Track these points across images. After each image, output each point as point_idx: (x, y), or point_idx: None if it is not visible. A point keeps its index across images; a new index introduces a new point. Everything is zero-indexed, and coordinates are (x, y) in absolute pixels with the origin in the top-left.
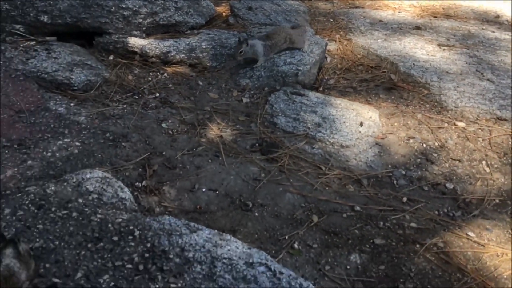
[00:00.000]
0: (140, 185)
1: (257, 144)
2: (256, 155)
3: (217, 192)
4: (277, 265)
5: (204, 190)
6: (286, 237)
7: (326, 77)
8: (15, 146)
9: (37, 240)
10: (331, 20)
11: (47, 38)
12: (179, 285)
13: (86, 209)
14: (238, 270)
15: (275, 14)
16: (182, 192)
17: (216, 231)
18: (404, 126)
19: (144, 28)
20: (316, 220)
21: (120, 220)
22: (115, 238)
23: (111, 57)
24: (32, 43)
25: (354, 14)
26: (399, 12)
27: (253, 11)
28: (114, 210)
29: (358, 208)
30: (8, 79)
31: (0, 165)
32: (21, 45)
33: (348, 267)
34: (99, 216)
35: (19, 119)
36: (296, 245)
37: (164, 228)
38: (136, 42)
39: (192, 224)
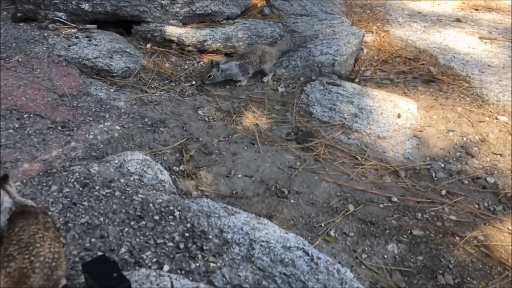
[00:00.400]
0: (178, 169)
1: (292, 133)
2: (292, 144)
3: (252, 178)
4: (314, 250)
5: (240, 176)
6: (322, 225)
7: (362, 69)
8: (59, 128)
9: (83, 216)
10: (368, 11)
11: (88, 25)
12: (218, 264)
13: (128, 189)
14: (275, 253)
15: (310, 5)
16: (218, 177)
17: (253, 215)
18: (443, 119)
19: (180, 17)
20: (352, 209)
21: (160, 200)
22: (156, 217)
23: (148, 45)
24: (74, 30)
25: (391, 6)
26: (438, 4)
27: (289, 2)
28: (154, 191)
29: (395, 199)
30: (51, 65)
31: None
32: (63, 32)
33: (385, 256)
34: (140, 196)
35: (63, 103)
36: (332, 233)
37: (203, 210)
38: (173, 30)
39: (229, 207)
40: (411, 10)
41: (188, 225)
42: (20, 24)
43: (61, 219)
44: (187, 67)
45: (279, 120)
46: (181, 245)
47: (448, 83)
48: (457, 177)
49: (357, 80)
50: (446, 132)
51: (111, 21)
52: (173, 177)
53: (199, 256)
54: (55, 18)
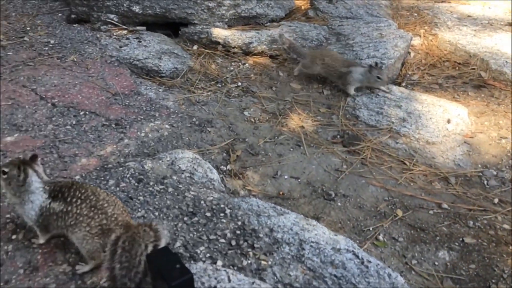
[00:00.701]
0: (225, 168)
1: (338, 136)
2: (338, 147)
3: (299, 180)
4: (364, 253)
5: (286, 177)
6: (370, 229)
7: (410, 72)
8: (113, 126)
9: (139, 210)
10: (415, 14)
11: (138, 27)
12: (269, 262)
13: (180, 186)
14: (325, 254)
15: (356, 8)
16: (265, 178)
17: (302, 215)
18: (495, 125)
19: (226, 20)
20: (401, 215)
21: (211, 198)
22: (208, 214)
23: (195, 47)
24: (124, 32)
25: (440, 9)
26: (489, 8)
27: (334, 4)
28: (204, 189)
29: (445, 205)
30: (104, 64)
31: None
32: (115, 34)
33: (436, 263)
34: (192, 193)
35: (115, 101)
36: (381, 237)
37: (253, 209)
38: (219, 32)
39: (278, 207)
40: (460, 14)
41: (239, 223)
42: (74, 25)
43: None
44: (232, 68)
45: (325, 123)
46: (233, 242)
47: (500, 88)
48: (510, 185)
49: (404, 84)
50: (498, 139)
51: (160, 23)
52: (221, 176)
53: (251, 253)
54: (107, 20)
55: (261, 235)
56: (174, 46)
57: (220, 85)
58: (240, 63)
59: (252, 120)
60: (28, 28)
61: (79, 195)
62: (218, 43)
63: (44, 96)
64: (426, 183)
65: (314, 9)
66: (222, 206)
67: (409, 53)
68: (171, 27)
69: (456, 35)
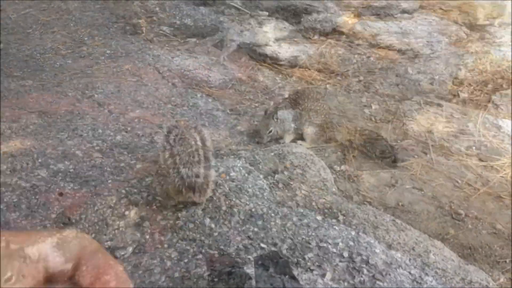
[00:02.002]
0: (339, 168)
1: (474, 147)
2: (473, 160)
3: (422, 192)
4: None
5: (407, 187)
6: (507, 261)
7: (461, 89)
8: (228, 111)
9: (247, 203)
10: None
11: (260, 12)
12: (384, 284)
13: (291, 183)
14: (453, 284)
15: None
16: (382, 184)
17: (425, 235)
18: None
19: (353, 9)
20: None
21: (323, 200)
22: (319, 218)
23: (316, 36)
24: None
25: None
26: None
27: None
28: (316, 189)
29: None
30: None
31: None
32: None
33: None
34: (303, 192)
35: (230, 81)
36: None
37: (369, 219)
38: (344, 22)
39: (398, 221)
40: None
41: (353, 233)
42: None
43: (227, 202)
44: (355, 61)
45: (458, 130)
46: (345, 254)
47: None
48: None
49: (454, 100)
50: None
51: (282, 9)
52: (334, 176)
53: (364, 270)
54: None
55: (377, 251)
56: (295, 33)
57: (340, 78)
58: (364, 56)
59: (373, 119)
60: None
61: None
62: (343, 33)
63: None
64: None
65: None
66: (334, 211)
67: (460, 69)
68: (293, 13)
69: (509, 52)
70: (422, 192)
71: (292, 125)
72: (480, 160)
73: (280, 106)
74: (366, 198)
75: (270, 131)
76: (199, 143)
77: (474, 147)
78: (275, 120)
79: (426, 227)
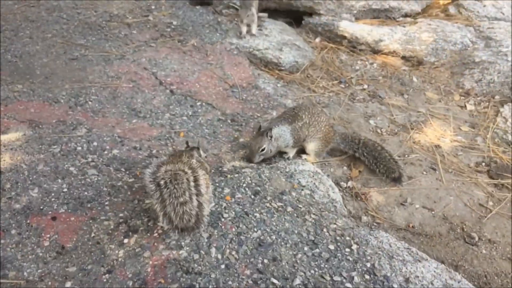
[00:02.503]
0: (345, 185)
1: (483, 163)
2: (483, 177)
3: (433, 212)
4: None
5: (417, 206)
6: None
7: (467, 100)
8: (229, 121)
9: (255, 230)
10: None
11: (260, 14)
12: None
13: (300, 206)
14: None
15: (508, 8)
16: (391, 203)
17: (444, 266)
18: None
19: (355, 12)
20: None
21: (334, 226)
22: (331, 247)
23: (317, 39)
24: None
25: None
26: None
27: (481, 2)
28: (326, 212)
29: None
30: (223, 52)
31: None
32: (236, 19)
33: None
34: (313, 216)
35: (233, 94)
36: None
37: (383, 248)
38: (347, 26)
39: (414, 250)
40: None
41: (368, 264)
42: (196, 7)
43: (233, 229)
44: (358, 68)
45: (466, 145)
46: None
47: None
48: None
49: (462, 112)
50: None
51: (281, 10)
52: (341, 193)
53: None
54: (230, 3)
55: (395, 286)
56: (295, 37)
57: (343, 86)
58: (367, 62)
59: (379, 131)
60: (153, 7)
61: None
62: (345, 37)
63: (163, 82)
64: None
65: (456, 6)
66: (347, 238)
67: (466, 79)
68: (293, 15)
69: None
70: (433, 212)
71: (291, 139)
72: (491, 177)
73: (275, 122)
74: (375, 218)
75: (263, 149)
76: (190, 177)
77: (483, 163)
78: (269, 137)
79: (439, 252)
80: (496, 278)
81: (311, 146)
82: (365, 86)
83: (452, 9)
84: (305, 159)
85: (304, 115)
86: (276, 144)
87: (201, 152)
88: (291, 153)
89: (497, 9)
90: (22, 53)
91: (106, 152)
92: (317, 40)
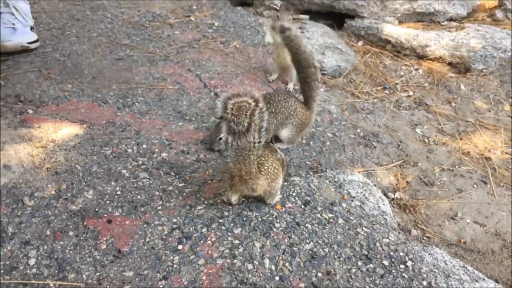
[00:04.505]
0: (393, 196)
1: None
2: None
3: (485, 228)
4: None
5: (468, 221)
6: None
7: None
8: None
9: (307, 241)
10: None
11: (301, 16)
12: None
13: (351, 218)
14: None
15: None
16: (441, 217)
17: (500, 286)
18: None
19: (398, 15)
20: None
21: (387, 240)
22: (386, 263)
23: (360, 43)
24: None
25: None
26: None
27: None
28: (377, 225)
29: None
30: (266, 55)
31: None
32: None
33: None
34: (364, 229)
35: None
36: None
37: (439, 265)
38: (391, 30)
39: (470, 269)
40: None
41: (424, 283)
42: (237, 8)
43: (285, 239)
44: (403, 73)
45: None
46: None
47: None
48: None
49: None
50: None
51: (323, 12)
52: (389, 204)
53: None
54: (271, 5)
55: None
56: (337, 40)
57: (388, 92)
58: (412, 68)
59: (426, 140)
60: (194, 7)
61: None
62: (389, 41)
63: (207, 84)
64: None
65: (504, 10)
66: (401, 254)
67: None
68: (334, 17)
69: None
70: (485, 228)
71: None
72: None
73: None
74: (425, 232)
75: (221, 138)
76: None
77: None
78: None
79: (493, 270)
80: None
81: (284, 133)
82: (411, 93)
83: (499, 14)
84: (279, 147)
85: (268, 104)
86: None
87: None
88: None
89: None
90: (70, 52)
91: (155, 155)
92: (360, 43)
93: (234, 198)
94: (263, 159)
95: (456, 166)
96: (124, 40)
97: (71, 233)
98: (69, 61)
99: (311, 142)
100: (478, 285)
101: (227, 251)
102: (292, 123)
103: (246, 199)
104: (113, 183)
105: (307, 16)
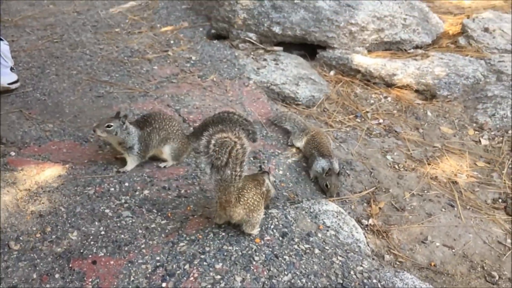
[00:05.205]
0: (367, 222)
1: (500, 200)
2: (500, 214)
3: (453, 250)
4: None
5: (438, 244)
6: None
7: (481, 134)
8: (252, 159)
9: (285, 273)
10: None
11: (275, 48)
12: None
13: (327, 248)
14: None
15: None
16: (413, 241)
17: None
18: None
19: (367, 45)
20: None
21: (361, 268)
22: None
23: (332, 73)
24: (261, 51)
25: None
26: None
27: (490, 33)
28: (352, 253)
29: None
30: (242, 87)
31: None
32: (252, 53)
33: None
34: (339, 258)
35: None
36: None
37: None
38: (361, 60)
39: None
40: None
41: None
42: (214, 41)
43: (265, 272)
44: (373, 101)
45: (483, 181)
46: None
47: None
48: None
49: (477, 147)
50: None
51: (296, 43)
52: (363, 231)
53: None
54: (246, 38)
55: None
56: (310, 70)
57: (359, 120)
58: (381, 96)
59: (396, 166)
60: (172, 42)
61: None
62: (359, 71)
63: (186, 119)
64: None
65: (466, 37)
66: (374, 281)
67: (479, 113)
68: (307, 48)
69: None
70: (453, 250)
71: (137, 144)
72: (508, 214)
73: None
74: (398, 257)
75: (109, 126)
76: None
77: (500, 200)
78: (122, 121)
79: None
80: None
81: (167, 150)
82: (381, 120)
83: (462, 41)
84: (165, 166)
85: (153, 120)
86: (124, 136)
87: (270, 177)
88: (130, 163)
89: (507, 40)
90: (50, 91)
91: (137, 192)
92: (332, 73)
93: (219, 222)
94: (245, 191)
95: (425, 191)
96: (104, 76)
97: (57, 276)
98: (50, 100)
99: (287, 173)
100: None
101: (210, 286)
102: (174, 140)
103: (227, 230)
104: (96, 223)
105: (281, 48)
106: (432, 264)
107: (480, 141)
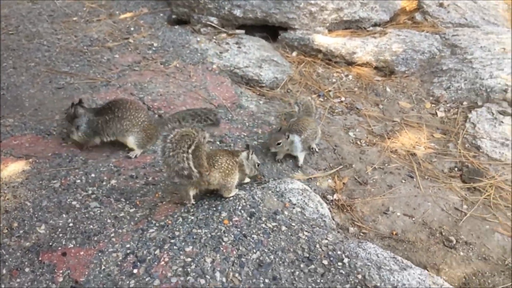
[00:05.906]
0: (332, 198)
1: (456, 169)
2: (456, 182)
3: (413, 219)
4: None
5: (399, 214)
6: None
7: (438, 107)
8: (218, 143)
9: (254, 251)
10: None
11: (237, 31)
12: None
13: (293, 224)
14: None
15: (470, 13)
16: (375, 213)
17: (426, 272)
18: None
19: (327, 24)
20: None
21: (326, 241)
22: (325, 262)
23: (294, 53)
24: (223, 35)
25: None
26: None
27: (445, 8)
28: (317, 228)
29: None
30: (205, 72)
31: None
32: (214, 37)
33: None
34: (305, 233)
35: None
36: None
37: (372, 259)
38: (321, 40)
39: (399, 259)
40: None
41: (359, 276)
42: (175, 27)
43: (234, 252)
44: (334, 80)
45: (440, 151)
46: None
47: None
48: None
49: (433, 119)
50: None
51: (257, 26)
52: (328, 206)
53: None
54: (207, 22)
55: None
56: (273, 52)
57: (322, 99)
58: (342, 74)
59: (358, 142)
60: (132, 29)
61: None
62: (320, 51)
63: (151, 107)
64: None
65: (422, 13)
66: (339, 253)
67: (435, 87)
68: (269, 29)
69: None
70: (413, 219)
71: (88, 128)
72: (464, 182)
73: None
74: (362, 228)
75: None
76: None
77: (456, 168)
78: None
79: (421, 257)
80: (474, 278)
81: (131, 139)
82: (343, 99)
83: (418, 16)
84: (136, 155)
85: (117, 109)
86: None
87: (254, 156)
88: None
89: (460, 15)
90: (8, 85)
91: (104, 183)
92: (294, 54)
93: (192, 194)
94: (218, 157)
95: (386, 164)
96: (64, 67)
97: (27, 270)
98: (9, 94)
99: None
100: (407, 273)
101: (180, 269)
102: (138, 131)
103: (196, 214)
104: (64, 215)
105: (242, 31)
106: (394, 233)
107: (436, 113)
